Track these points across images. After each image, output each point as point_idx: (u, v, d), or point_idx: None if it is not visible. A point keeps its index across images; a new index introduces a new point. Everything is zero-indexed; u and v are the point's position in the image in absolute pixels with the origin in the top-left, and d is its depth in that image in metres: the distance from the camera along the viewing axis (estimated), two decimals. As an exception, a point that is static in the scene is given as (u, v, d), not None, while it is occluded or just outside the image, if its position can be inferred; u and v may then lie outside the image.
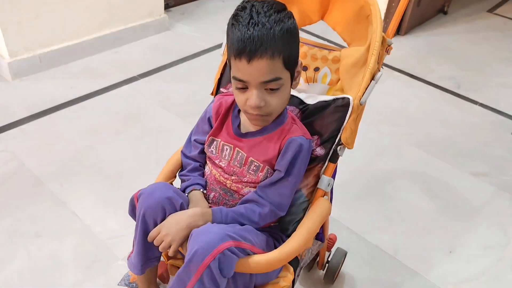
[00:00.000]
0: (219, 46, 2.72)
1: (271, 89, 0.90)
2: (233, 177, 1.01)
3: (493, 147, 2.18)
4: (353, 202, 1.78)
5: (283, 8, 0.91)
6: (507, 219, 1.78)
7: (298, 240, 0.95)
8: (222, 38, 1.05)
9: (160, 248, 0.89)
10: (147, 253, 0.97)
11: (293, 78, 0.96)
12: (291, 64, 0.92)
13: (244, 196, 1.01)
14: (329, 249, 1.45)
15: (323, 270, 1.47)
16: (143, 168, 1.82)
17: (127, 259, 1.03)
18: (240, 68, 0.88)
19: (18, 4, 2.14)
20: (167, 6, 3.04)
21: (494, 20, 3.61)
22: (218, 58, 1.19)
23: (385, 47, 1.05)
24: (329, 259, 1.45)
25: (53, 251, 1.48)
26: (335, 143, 1.04)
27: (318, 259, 1.46)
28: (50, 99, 2.16)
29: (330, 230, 1.47)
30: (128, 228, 1.55)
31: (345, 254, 1.46)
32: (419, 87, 2.62)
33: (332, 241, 1.45)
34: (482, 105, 2.49)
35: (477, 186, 1.93)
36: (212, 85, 1.20)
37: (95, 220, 1.59)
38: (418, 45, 3.08)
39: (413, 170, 1.99)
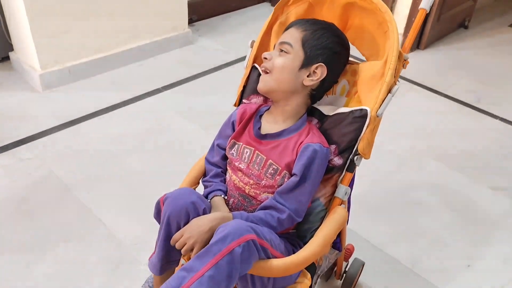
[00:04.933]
0: (241, 59, 2.79)
1: (281, 50, 1.05)
2: (251, 182, 1.06)
3: (513, 161, 2.17)
4: (372, 214, 1.80)
5: (335, 39, 1.07)
6: (528, 234, 1.77)
7: (315, 246, 0.98)
8: (244, 51, 1.12)
9: (182, 251, 0.94)
10: (168, 255, 1.02)
11: (305, 65, 1.04)
12: (309, 50, 1.04)
13: (261, 202, 1.05)
14: (346, 259, 1.47)
15: (341, 280, 1.49)
16: (167, 177, 1.88)
17: (148, 260, 1.08)
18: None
19: (51, 20, 2.25)
20: (190, 21, 3.13)
21: (516, 35, 3.59)
22: (240, 71, 1.24)
23: (402, 62, 1.09)
24: (346, 269, 1.47)
25: (79, 255, 1.54)
26: (352, 153, 1.07)
27: (335, 268, 1.48)
28: (78, 110, 2.25)
29: (348, 241, 1.49)
30: (151, 234, 1.59)
31: (362, 265, 1.48)
32: (439, 100, 2.62)
33: (350, 251, 1.47)
34: (502, 119, 2.48)
35: (496, 200, 1.92)
36: (234, 96, 1.25)
37: (120, 226, 1.65)
38: (438, 59, 3.10)
39: (432, 183, 2.00)
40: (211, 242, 0.88)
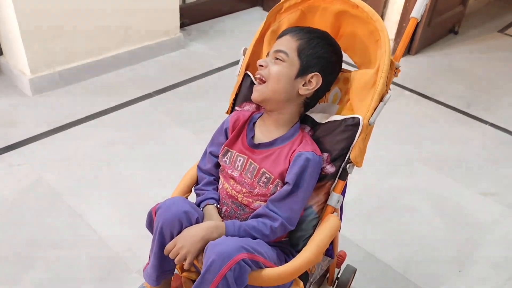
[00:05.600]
0: (233, 64, 2.79)
1: (277, 58, 1.04)
2: (244, 190, 1.06)
3: (502, 167, 2.19)
4: (363, 220, 1.81)
5: (330, 49, 1.07)
6: (517, 239, 1.79)
7: (308, 254, 0.98)
8: (236, 56, 1.12)
9: (176, 261, 0.93)
10: (162, 265, 1.01)
11: (300, 74, 1.04)
12: (305, 59, 1.04)
13: (254, 210, 1.05)
14: (338, 266, 1.47)
15: (333, 287, 1.49)
16: (157, 183, 1.87)
17: (143, 271, 1.07)
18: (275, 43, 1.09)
19: (41, 24, 2.23)
20: (182, 25, 3.12)
21: (505, 41, 3.64)
22: (231, 76, 1.24)
23: (393, 70, 1.09)
24: (338, 276, 1.47)
25: (69, 262, 1.52)
26: (345, 161, 1.07)
27: (328, 275, 1.48)
28: (68, 115, 2.23)
29: (340, 247, 1.49)
30: (142, 241, 1.58)
31: (354, 271, 1.48)
32: (429, 106, 2.65)
33: (342, 258, 1.47)
34: (492, 125, 2.51)
35: (486, 205, 1.94)
36: (225, 101, 1.25)
37: (110, 233, 1.64)
38: (428, 65, 3.12)
39: (423, 188, 2.01)
40: (202, 271, 0.88)
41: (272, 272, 0.93)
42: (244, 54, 1.21)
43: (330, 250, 1.24)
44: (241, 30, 3.31)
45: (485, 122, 2.52)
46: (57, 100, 2.35)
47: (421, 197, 1.96)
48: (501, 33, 3.77)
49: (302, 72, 1.04)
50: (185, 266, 0.93)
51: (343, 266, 1.50)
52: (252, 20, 3.48)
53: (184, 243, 0.92)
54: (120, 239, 1.62)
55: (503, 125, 2.50)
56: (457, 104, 2.67)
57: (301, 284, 1.06)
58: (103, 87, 2.49)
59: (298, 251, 1.08)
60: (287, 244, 1.09)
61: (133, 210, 1.73)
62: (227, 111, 1.23)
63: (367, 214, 1.84)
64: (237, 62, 1.22)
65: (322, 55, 1.05)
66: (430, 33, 3.29)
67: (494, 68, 3.16)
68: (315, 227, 1.10)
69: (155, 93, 2.48)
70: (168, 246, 0.95)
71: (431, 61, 3.17)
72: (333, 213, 1.09)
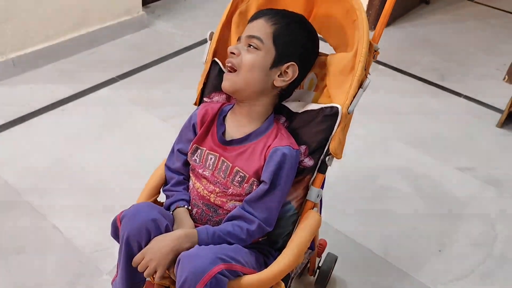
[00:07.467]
0: (201, 43, 2.67)
1: (250, 45, 0.94)
2: (217, 190, 0.98)
3: (478, 140, 2.18)
4: (342, 202, 1.76)
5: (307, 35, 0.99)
6: (493, 214, 1.78)
7: (289, 257, 0.92)
8: (203, 34, 1.03)
9: (145, 274, 0.86)
10: (132, 278, 0.94)
11: (276, 64, 0.95)
12: (281, 46, 0.95)
13: (229, 211, 0.98)
14: (319, 255, 1.43)
15: (314, 276, 1.45)
16: (126, 176, 1.77)
17: (111, 283, 0.99)
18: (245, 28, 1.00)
19: (-12, 6, 2.05)
20: (145, 2, 2.95)
21: (475, 9, 3.62)
22: (200, 56, 1.14)
23: (372, 53, 1.02)
24: (319, 265, 1.43)
25: (35, 267, 1.42)
26: (324, 153, 1.01)
27: (308, 265, 1.43)
28: (25, 105, 2.08)
29: (320, 232, 1.44)
30: (112, 241, 1.49)
31: (335, 259, 1.44)
32: (403, 80, 2.60)
33: (323, 246, 1.43)
34: (466, 97, 2.49)
35: (463, 181, 1.93)
36: (195, 84, 1.15)
37: (78, 233, 1.54)
38: (401, 37, 3.07)
39: (400, 166, 1.98)
40: (176, 286, 0.80)
41: (252, 279, 0.87)
42: (210, 39, 1.11)
43: (311, 242, 1.18)
44: (208, 5, 3.17)
45: (459, 95, 2.50)
46: (12, 90, 2.18)
47: (398, 176, 1.92)
48: (471, 1, 3.75)
49: (278, 61, 0.95)
50: (156, 280, 0.85)
51: (324, 255, 1.45)
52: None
53: (152, 256, 0.85)
54: (88, 239, 1.52)
55: (477, 97, 2.49)
56: (431, 77, 2.63)
57: (283, 285, 1.00)
58: (62, 74, 2.33)
59: (278, 249, 1.03)
60: (266, 245, 1.03)
61: (101, 207, 1.63)
62: (195, 102, 1.14)
63: (345, 196, 1.79)
64: (206, 41, 1.12)
65: (299, 43, 0.97)
66: (402, 4, 3.22)
67: (466, 38, 3.14)
68: (294, 223, 1.04)
69: (119, 77, 2.35)
70: (136, 258, 0.87)
71: (403, 32, 3.12)
72: (313, 208, 1.03)
